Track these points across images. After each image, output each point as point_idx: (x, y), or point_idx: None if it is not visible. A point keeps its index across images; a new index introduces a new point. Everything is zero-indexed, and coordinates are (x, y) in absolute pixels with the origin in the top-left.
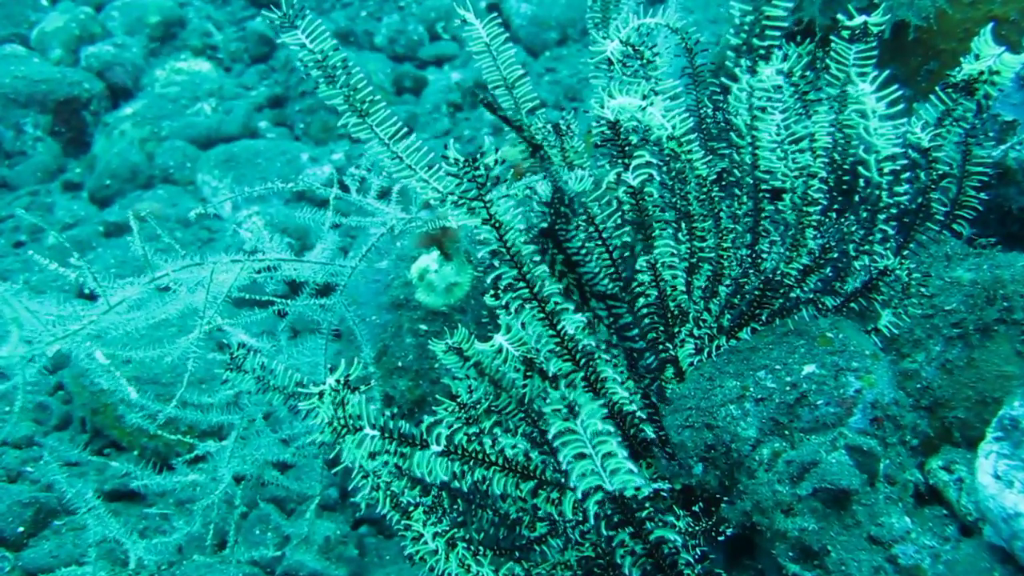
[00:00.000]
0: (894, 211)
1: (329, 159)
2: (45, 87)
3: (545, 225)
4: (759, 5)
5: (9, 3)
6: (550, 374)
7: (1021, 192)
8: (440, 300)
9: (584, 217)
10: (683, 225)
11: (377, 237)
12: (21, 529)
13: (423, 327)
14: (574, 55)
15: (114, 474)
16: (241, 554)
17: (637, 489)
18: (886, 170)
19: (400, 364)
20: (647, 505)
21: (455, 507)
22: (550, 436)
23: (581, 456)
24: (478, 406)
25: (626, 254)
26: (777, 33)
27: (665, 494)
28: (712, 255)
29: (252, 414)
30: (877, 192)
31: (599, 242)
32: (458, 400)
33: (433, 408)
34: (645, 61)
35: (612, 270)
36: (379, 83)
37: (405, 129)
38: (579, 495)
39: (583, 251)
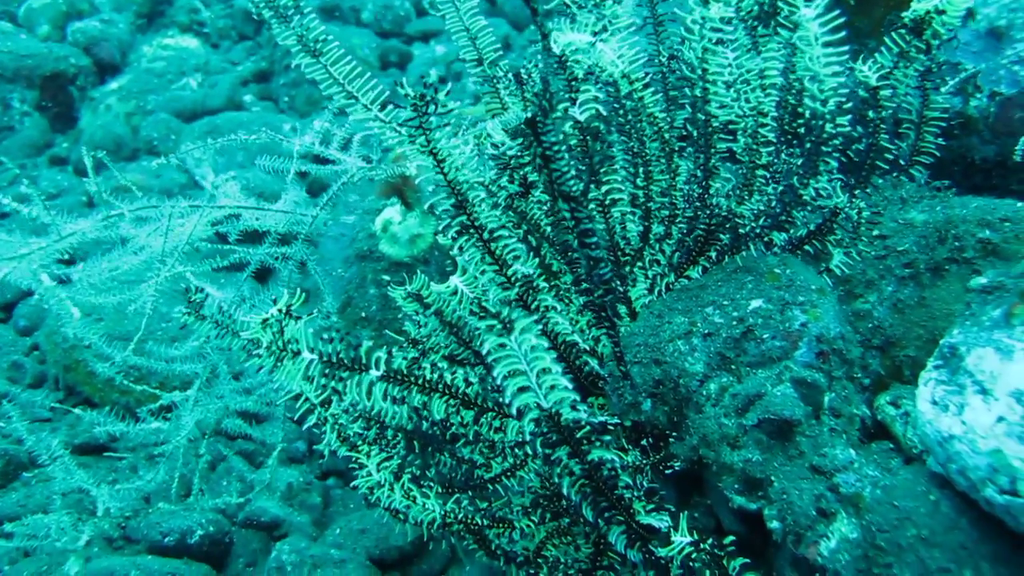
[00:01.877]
0: (837, 143)
1: (311, 129)
2: (32, 62)
3: (530, 116)
4: None
5: None
6: (491, 303)
7: (983, 142)
8: (403, 251)
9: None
10: (639, 168)
11: (337, 186)
12: None
13: (386, 278)
14: (558, 28)
15: (85, 429)
16: (206, 502)
17: (573, 405)
18: (831, 101)
19: (364, 315)
20: (584, 424)
21: (412, 449)
22: (484, 353)
23: (516, 373)
24: (427, 340)
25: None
26: None
27: (611, 427)
28: (666, 197)
29: (215, 363)
30: (820, 123)
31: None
32: (408, 336)
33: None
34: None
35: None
36: (364, 57)
37: (360, 69)
38: (514, 411)
39: (554, 148)
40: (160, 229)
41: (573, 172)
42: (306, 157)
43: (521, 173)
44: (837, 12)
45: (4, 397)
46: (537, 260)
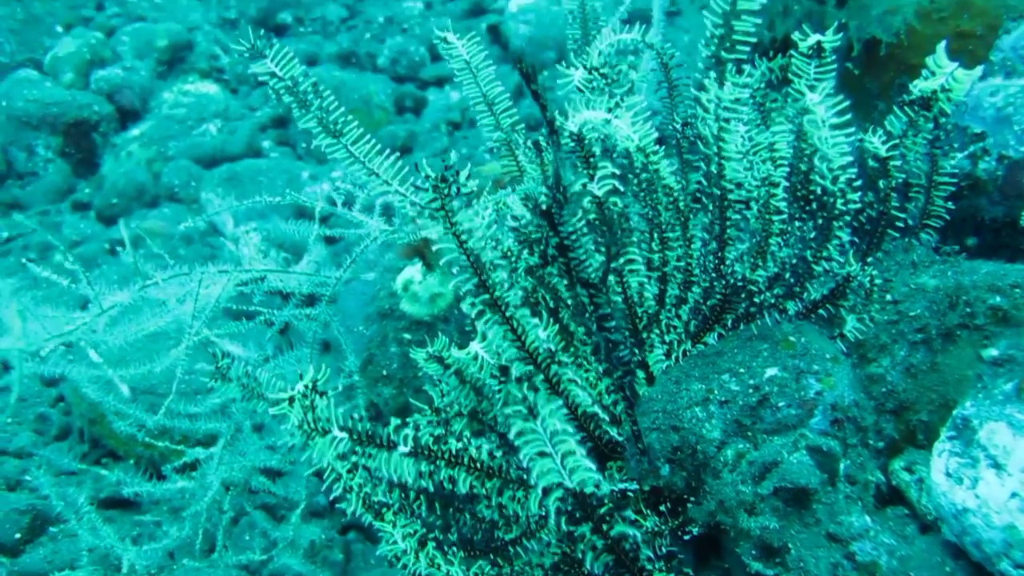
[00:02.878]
0: (848, 218)
1: (329, 177)
2: (56, 110)
3: (544, 207)
4: (729, 19)
5: (26, 30)
6: (514, 377)
7: (992, 203)
8: (424, 310)
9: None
10: (655, 236)
11: (361, 249)
12: (18, 535)
13: (407, 336)
14: (574, 107)
15: (109, 483)
16: (229, 558)
17: (596, 485)
18: (841, 178)
19: (385, 373)
20: (606, 501)
21: (433, 511)
22: (511, 436)
23: (542, 455)
24: (450, 409)
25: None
26: (746, 48)
27: (631, 494)
28: (682, 263)
29: (239, 422)
30: (831, 200)
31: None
32: (432, 405)
33: (414, 413)
34: (610, 81)
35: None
36: (380, 103)
37: (379, 146)
38: (539, 491)
39: (573, 236)
40: (190, 292)
41: (590, 260)
42: (333, 202)
43: (540, 248)
44: (841, 97)
45: (31, 451)
46: (557, 327)
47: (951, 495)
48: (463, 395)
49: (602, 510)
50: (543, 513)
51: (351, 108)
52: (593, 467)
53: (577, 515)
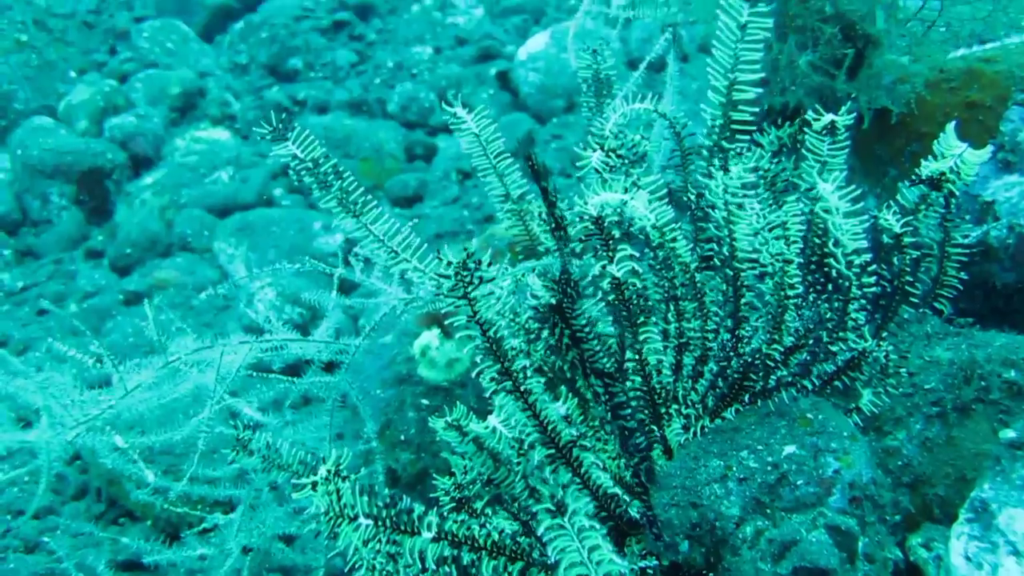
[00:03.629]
0: (863, 302)
1: (341, 228)
2: (71, 158)
3: (554, 302)
4: (727, 111)
5: (40, 76)
6: (535, 461)
7: (1003, 269)
8: (441, 375)
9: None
10: (671, 308)
11: (379, 318)
12: None
13: (425, 401)
14: (582, 122)
15: (127, 546)
16: None
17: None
18: (856, 263)
19: (403, 438)
20: None
21: None
22: (539, 532)
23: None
24: (472, 486)
25: (622, 340)
26: (745, 138)
27: (650, 571)
28: (698, 337)
29: (259, 486)
30: (846, 283)
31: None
32: (454, 479)
33: (432, 482)
34: (628, 162)
35: (608, 351)
36: (391, 151)
37: (398, 225)
38: None
39: (586, 329)
40: (210, 360)
41: (604, 352)
42: (335, 255)
43: (555, 338)
44: (855, 186)
45: (50, 510)
46: (576, 400)
47: None
48: (480, 463)
49: None
50: None
51: (363, 157)
52: (618, 559)
53: None
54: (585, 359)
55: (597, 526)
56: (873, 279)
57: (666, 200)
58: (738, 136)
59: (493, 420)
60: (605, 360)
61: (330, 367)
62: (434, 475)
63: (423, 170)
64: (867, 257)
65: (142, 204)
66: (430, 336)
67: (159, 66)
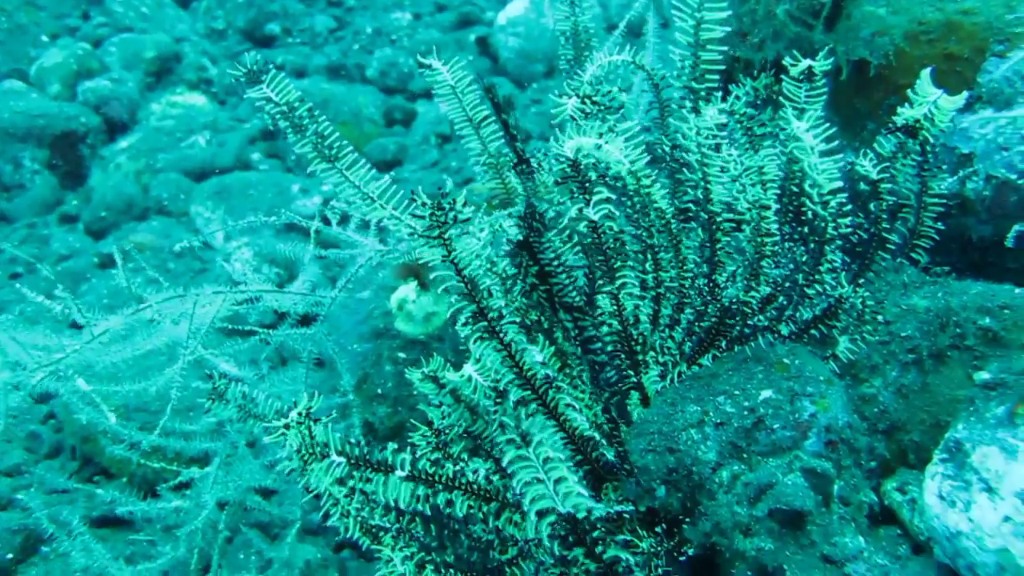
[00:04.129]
0: (839, 242)
1: (319, 190)
2: (43, 121)
3: (520, 237)
4: (696, 51)
5: (11, 40)
6: (510, 404)
7: (980, 222)
8: (418, 329)
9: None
10: (648, 256)
11: (355, 269)
12: (10, 556)
13: (402, 355)
14: (561, 86)
15: (102, 501)
16: None
17: (589, 511)
18: (832, 203)
19: (380, 391)
20: (599, 526)
21: (429, 532)
22: (504, 464)
23: (535, 480)
24: (450, 431)
25: (592, 274)
26: (715, 76)
27: (627, 515)
28: (675, 285)
29: (235, 440)
30: (822, 224)
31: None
32: (432, 426)
33: (409, 434)
34: (603, 108)
35: (578, 285)
36: (370, 115)
37: (373, 170)
38: (532, 516)
39: (554, 263)
40: (184, 313)
41: (573, 286)
42: (313, 218)
43: (526, 265)
44: (828, 124)
45: (23, 469)
46: (553, 348)
47: (944, 518)
48: (457, 415)
49: (595, 534)
50: (539, 537)
51: (341, 121)
52: (585, 493)
53: (570, 539)
54: (554, 294)
55: (563, 456)
56: (848, 219)
57: (643, 148)
58: (707, 76)
59: (469, 368)
60: (574, 294)
61: (307, 321)
62: (413, 425)
63: (402, 135)
64: (843, 197)
65: (117, 168)
66: (407, 290)
67: (134, 31)
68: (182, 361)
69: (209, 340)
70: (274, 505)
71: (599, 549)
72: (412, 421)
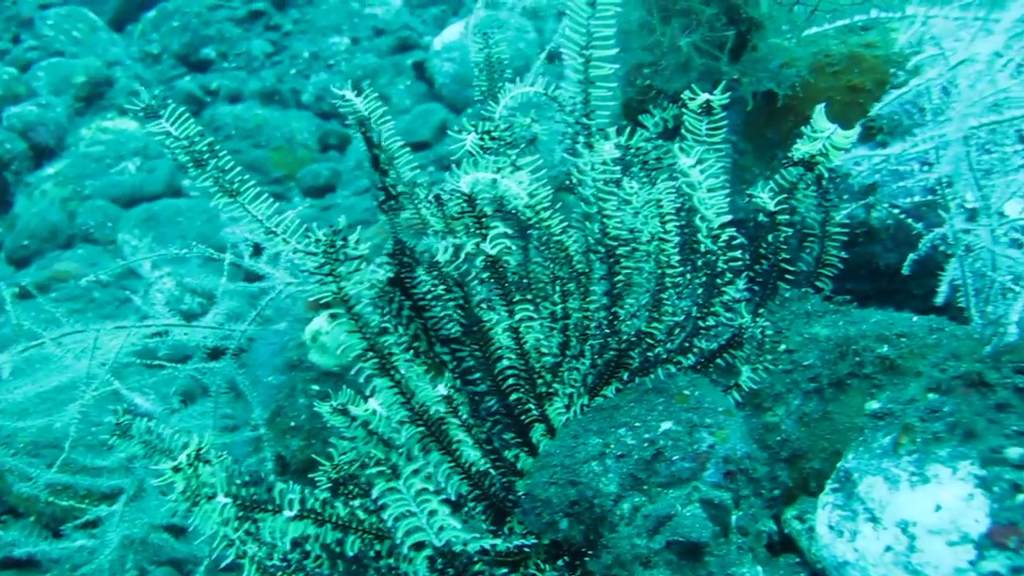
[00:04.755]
0: (730, 275)
1: (219, 207)
2: None
3: (392, 275)
4: (586, 87)
5: None
6: (403, 440)
7: (886, 249)
8: (332, 361)
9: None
10: (556, 287)
11: (265, 303)
12: None
13: (315, 387)
14: (465, 170)
15: (5, 543)
16: None
17: (465, 543)
18: (722, 237)
19: (293, 424)
20: (476, 559)
21: (335, 568)
22: (372, 497)
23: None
24: (350, 466)
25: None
26: (606, 115)
27: (528, 549)
28: (579, 315)
29: (142, 478)
30: (713, 258)
31: (444, 291)
32: (333, 461)
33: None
34: (505, 143)
35: (457, 316)
36: (303, 141)
37: (278, 205)
38: (404, 550)
39: (429, 296)
40: (87, 349)
41: (448, 317)
42: (238, 249)
43: (393, 311)
44: (714, 159)
45: None
46: (451, 385)
47: (833, 547)
48: (371, 447)
49: (474, 568)
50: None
51: (274, 147)
52: (456, 522)
53: (449, 572)
54: (429, 328)
55: (432, 488)
56: (740, 252)
57: (546, 181)
58: (597, 113)
59: (373, 403)
60: (451, 326)
61: (218, 354)
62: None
63: (337, 160)
64: (732, 231)
65: (43, 195)
66: (321, 321)
67: (65, 55)
68: (86, 396)
69: (128, 374)
70: (184, 543)
71: None
72: (315, 456)
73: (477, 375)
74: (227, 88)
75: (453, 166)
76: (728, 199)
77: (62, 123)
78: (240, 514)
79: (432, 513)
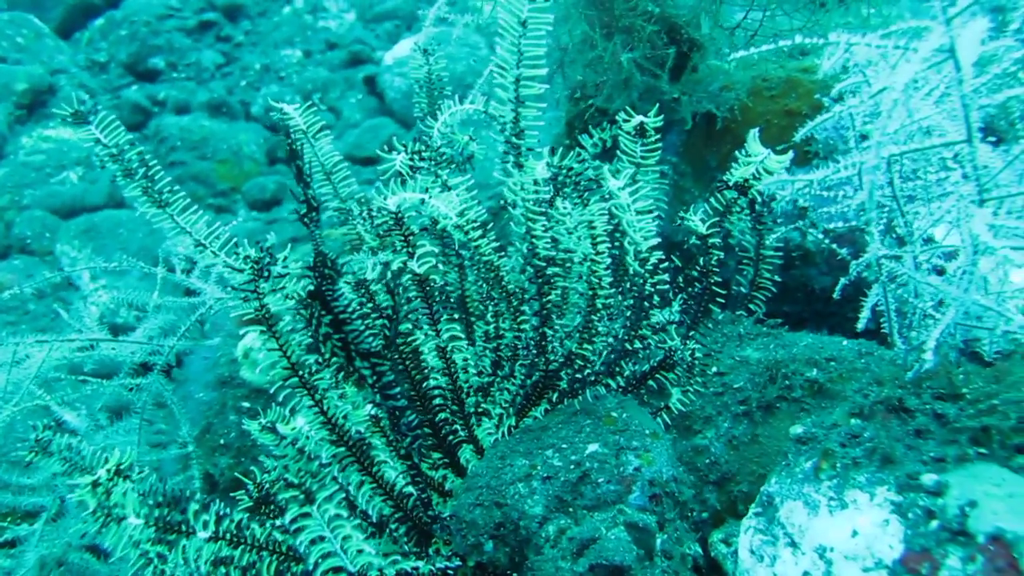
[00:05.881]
0: (656, 299)
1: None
2: None
3: (312, 287)
4: (516, 107)
5: None
6: (322, 460)
7: (821, 273)
8: (263, 377)
9: (357, 284)
10: (488, 307)
11: (194, 319)
12: None
13: (246, 404)
14: (391, 190)
15: None
16: None
17: (380, 570)
18: (651, 260)
19: (223, 442)
20: None
21: None
22: (285, 522)
23: (321, 539)
24: (275, 484)
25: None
26: (534, 135)
27: (451, 571)
28: (511, 336)
29: (62, 495)
30: (640, 280)
31: (369, 306)
32: (255, 480)
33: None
34: (435, 163)
35: (381, 327)
36: (250, 153)
37: (208, 217)
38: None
39: (349, 310)
40: (4, 364)
41: (368, 331)
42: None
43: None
44: (647, 181)
45: None
46: (373, 407)
47: (753, 572)
48: (303, 464)
49: None
50: None
51: (220, 159)
52: (372, 551)
53: None
54: (349, 341)
55: (346, 514)
56: (667, 275)
57: (477, 201)
58: (529, 133)
59: (300, 420)
60: (371, 339)
61: (146, 370)
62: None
63: (284, 173)
64: (659, 255)
65: None
66: (252, 337)
67: (7, 61)
68: (7, 411)
69: (59, 387)
70: (105, 564)
71: None
72: (238, 476)
73: (396, 390)
74: (174, 99)
75: (379, 184)
76: (657, 222)
77: (2, 131)
78: (153, 536)
79: (346, 538)
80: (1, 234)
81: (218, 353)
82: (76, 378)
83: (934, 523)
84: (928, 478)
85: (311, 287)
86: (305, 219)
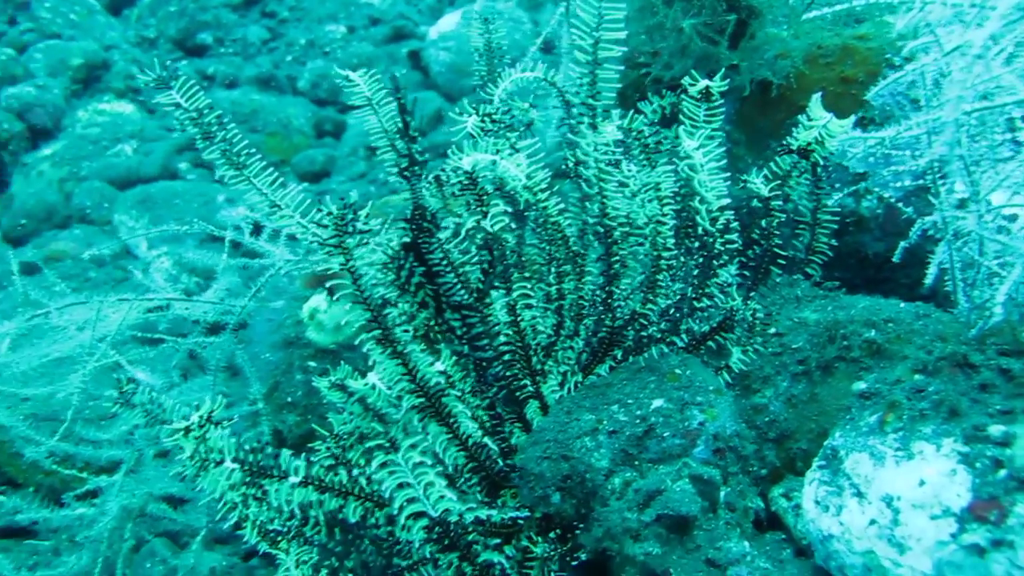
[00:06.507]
0: (726, 258)
1: (244, 201)
2: None
3: (408, 239)
4: (594, 69)
5: None
6: (400, 414)
7: (875, 239)
8: (329, 338)
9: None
10: (552, 268)
11: (265, 279)
12: None
13: (312, 364)
14: (466, 151)
15: (7, 513)
16: None
17: (460, 515)
18: (720, 220)
19: (290, 400)
20: (471, 530)
21: (332, 536)
22: (371, 470)
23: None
24: (349, 437)
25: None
26: (611, 94)
27: (522, 521)
28: (574, 296)
29: (141, 448)
30: (711, 239)
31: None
32: (332, 432)
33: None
34: (504, 126)
35: (467, 282)
36: (299, 127)
37: (281, 179)
38: (402, 519)
39: (443, 263)
40: (90, 320)
41: (460, 283)
42: (240, 229)
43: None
44: (718, 143)
45: None
46: (452, 359)
47: (818, 522)
48: (365, 422)
49: (468, 538)
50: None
51: (270, 132)
52: (454, 497)
53: (445, 543)
54: (441, 294)
55: (431, 462)
56: (736, 235)
57: (544, 164)
58: (604, 94)
59: (372, 376)
60: (463, 292)
61: (217, 330)
62: (319, 434)
63: (332, 146)
64: (730, 214)
65: (39, 175)
66: (318, 299)
67: (62, 38)
68: (88, 368)
69: (125, 349)
70: (182, 513)
71: (473, 551)
72: (315, 427)
73: (484, 341)
74: (223, 73)
75: (454, 147)
76: (726, 183)
77: (59, 105)
78: (247, 479)
79: (429, 485)
80: (61, 204)
81: (283, 315)
82: (151, 337)
83: (1002, 472)
84: (995, 429)
85: (406, 239)
86: (406, 172)
